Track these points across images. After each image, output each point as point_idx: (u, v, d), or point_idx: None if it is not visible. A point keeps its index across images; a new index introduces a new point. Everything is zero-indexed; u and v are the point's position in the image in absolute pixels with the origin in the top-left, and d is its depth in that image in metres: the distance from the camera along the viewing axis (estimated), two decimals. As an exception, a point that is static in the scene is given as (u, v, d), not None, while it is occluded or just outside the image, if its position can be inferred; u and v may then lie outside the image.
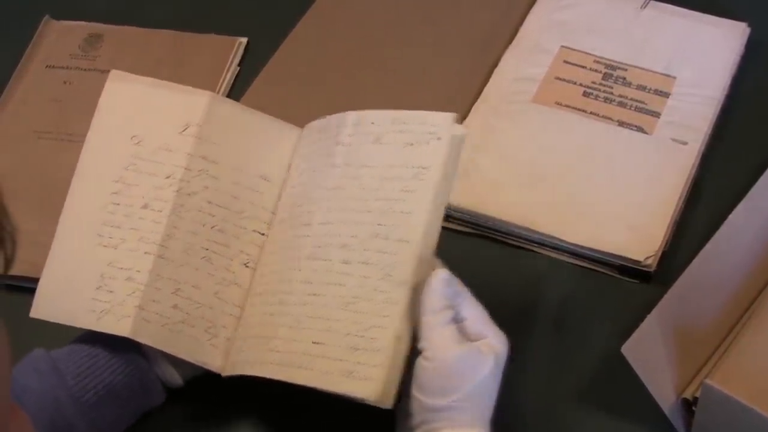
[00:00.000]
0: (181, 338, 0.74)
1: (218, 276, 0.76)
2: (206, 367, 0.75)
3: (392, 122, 0.74)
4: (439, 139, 0.72)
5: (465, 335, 0.69)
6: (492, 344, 0.69)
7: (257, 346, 0.73)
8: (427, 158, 0.72)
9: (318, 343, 0.70)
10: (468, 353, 0.68)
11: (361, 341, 0.69)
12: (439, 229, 0.71)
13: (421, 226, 0.70)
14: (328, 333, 0.70)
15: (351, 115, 0.76)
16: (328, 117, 0.78)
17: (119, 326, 0.73)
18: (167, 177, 0.76)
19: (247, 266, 0.77)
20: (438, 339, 0.68)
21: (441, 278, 0.70)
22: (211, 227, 0.76)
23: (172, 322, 0.74)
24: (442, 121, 0.72)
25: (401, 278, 0.69)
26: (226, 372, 0.75)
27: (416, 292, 0.70)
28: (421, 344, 0.69)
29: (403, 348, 0.69)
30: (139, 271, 0.74)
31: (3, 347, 0.49)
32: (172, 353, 0.74)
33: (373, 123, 0.75)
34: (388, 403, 0.68)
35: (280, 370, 0.71)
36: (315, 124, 0.80)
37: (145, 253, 0.74)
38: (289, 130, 0.81)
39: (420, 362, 0.68)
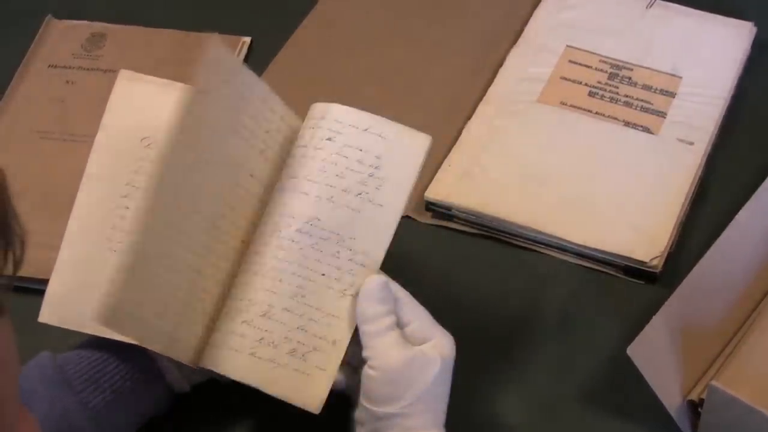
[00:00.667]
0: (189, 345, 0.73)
1: (228, 281, 0.75)
2: (214, 374, 0.74)
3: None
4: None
5: (410, 339, 0.69)
6: (438, 346, 0.69)
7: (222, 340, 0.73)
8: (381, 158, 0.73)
9: (262, 344, 0.70)
10: (413, 358, 0.67)
11: (298, 346, 0.69)
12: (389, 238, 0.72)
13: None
14: (271, 334, 0.70)
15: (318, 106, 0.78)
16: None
17: None
18: None
19: None
20: (381, 346, 0.68)
21: (376, 284, 0.69)
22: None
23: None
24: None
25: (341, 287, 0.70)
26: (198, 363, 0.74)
27: (355, 298, 0.70)
28: (365, 353, 0.68)
29: (336, 354, 0.69)
30: None
31: (11, 348, 0.49)
32: (180, 360, 0.73)
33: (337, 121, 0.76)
34: (314, 408, 0.69)
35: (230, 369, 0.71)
36: None
37: None
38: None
39: (366, 371, 0.68)
